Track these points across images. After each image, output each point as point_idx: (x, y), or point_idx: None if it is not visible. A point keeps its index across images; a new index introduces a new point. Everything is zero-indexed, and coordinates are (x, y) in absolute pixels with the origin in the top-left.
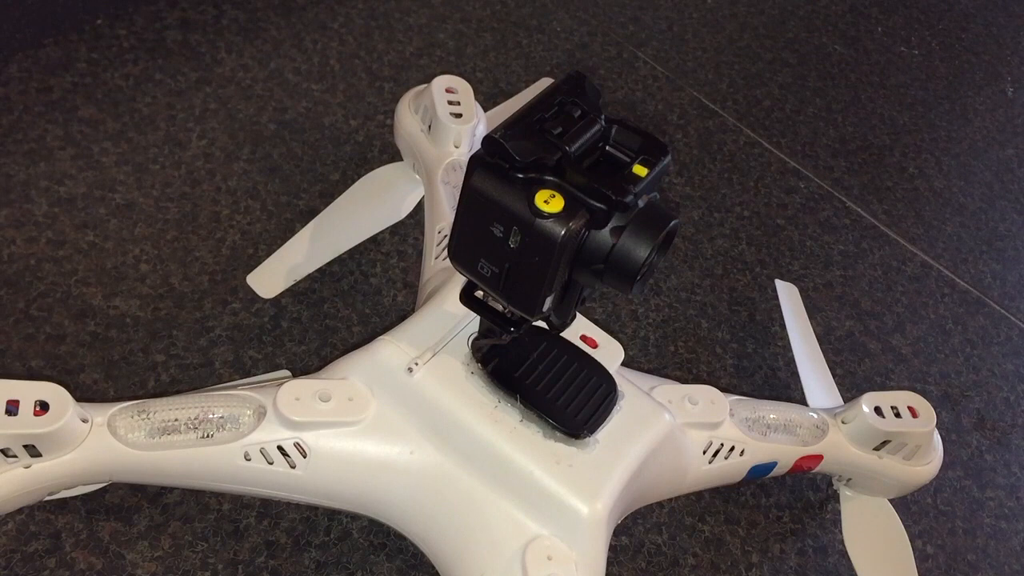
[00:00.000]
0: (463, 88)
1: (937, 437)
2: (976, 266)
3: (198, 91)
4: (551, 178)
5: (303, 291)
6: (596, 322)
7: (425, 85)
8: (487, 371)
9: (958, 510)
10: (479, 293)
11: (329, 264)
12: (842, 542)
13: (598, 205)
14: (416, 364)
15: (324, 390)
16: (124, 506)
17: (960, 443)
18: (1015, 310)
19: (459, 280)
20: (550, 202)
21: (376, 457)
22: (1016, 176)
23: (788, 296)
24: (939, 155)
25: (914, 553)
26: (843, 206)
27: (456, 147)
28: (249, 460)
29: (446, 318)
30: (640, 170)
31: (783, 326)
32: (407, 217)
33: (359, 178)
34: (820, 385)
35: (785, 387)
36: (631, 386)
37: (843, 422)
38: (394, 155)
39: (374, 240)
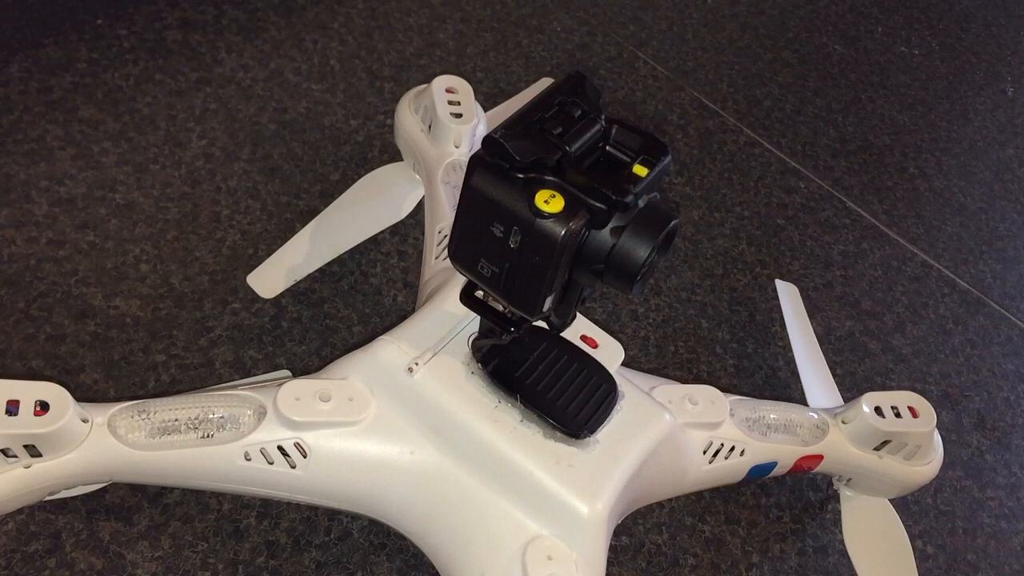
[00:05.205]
0: (463, 88)
1: (937, 437)
2: (976, 266)
3: (198, 91)
4: (551, 178)
5: (303, 291)
6: (596, 322)
7: (425, 85)
8: (487, 371)
9: (958, 510)
10: (479, 293)
11: (329, 264)
12: (842, 542)
13: (598, 205)
14: (416, 364)
15: (324, 390)
16: (124, 506)
17: (960, 443)
18: (1015, 310)
19: (459, 280)
20: (550, 202)
21: (376, 457)
22: (1016, 176)
23: (788, 296)
24: (939, 155)
25: (914, 553)
26: (843, 206)
27: (456, 147)
28: (249, 460)
29: (446, 318)
30: (640, 170)
31: (783, 326)
32: (407, 217)
33: (359, 178)
34: (820, 385)
35: (785, 387)
36: (631, 386)
37: (843, 422)
38: (394, 155)
39: (374, 240)
